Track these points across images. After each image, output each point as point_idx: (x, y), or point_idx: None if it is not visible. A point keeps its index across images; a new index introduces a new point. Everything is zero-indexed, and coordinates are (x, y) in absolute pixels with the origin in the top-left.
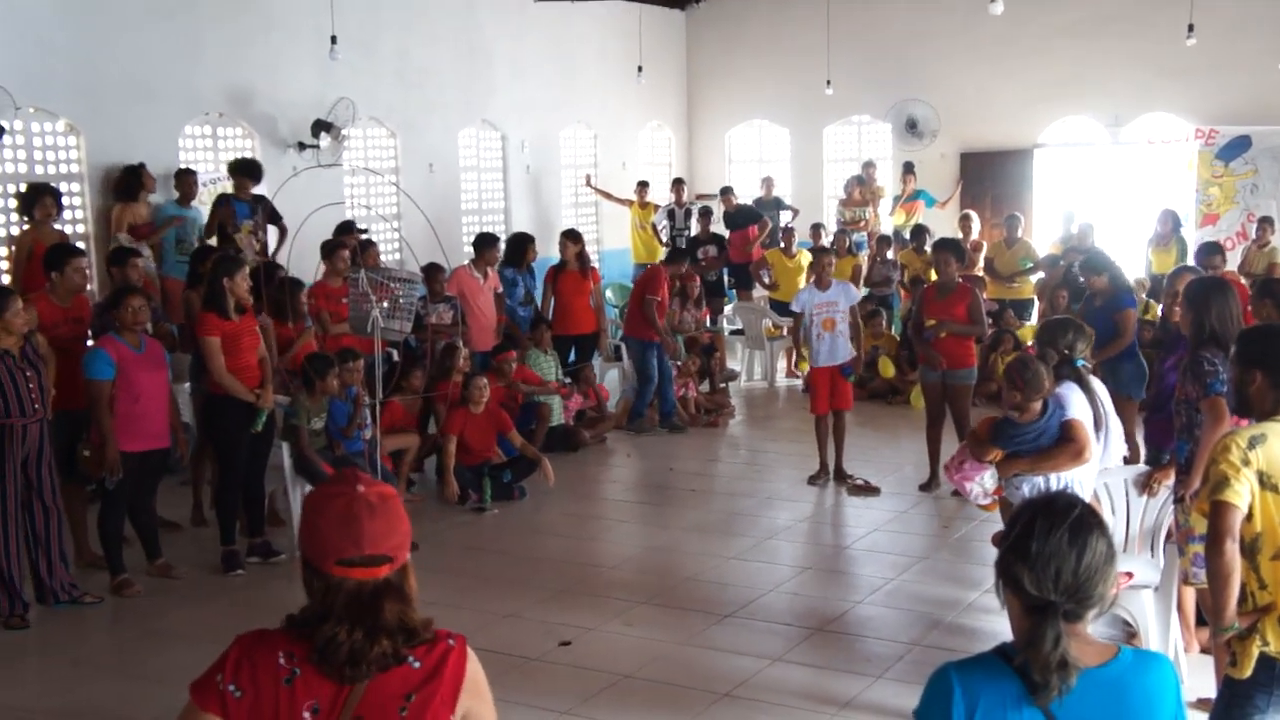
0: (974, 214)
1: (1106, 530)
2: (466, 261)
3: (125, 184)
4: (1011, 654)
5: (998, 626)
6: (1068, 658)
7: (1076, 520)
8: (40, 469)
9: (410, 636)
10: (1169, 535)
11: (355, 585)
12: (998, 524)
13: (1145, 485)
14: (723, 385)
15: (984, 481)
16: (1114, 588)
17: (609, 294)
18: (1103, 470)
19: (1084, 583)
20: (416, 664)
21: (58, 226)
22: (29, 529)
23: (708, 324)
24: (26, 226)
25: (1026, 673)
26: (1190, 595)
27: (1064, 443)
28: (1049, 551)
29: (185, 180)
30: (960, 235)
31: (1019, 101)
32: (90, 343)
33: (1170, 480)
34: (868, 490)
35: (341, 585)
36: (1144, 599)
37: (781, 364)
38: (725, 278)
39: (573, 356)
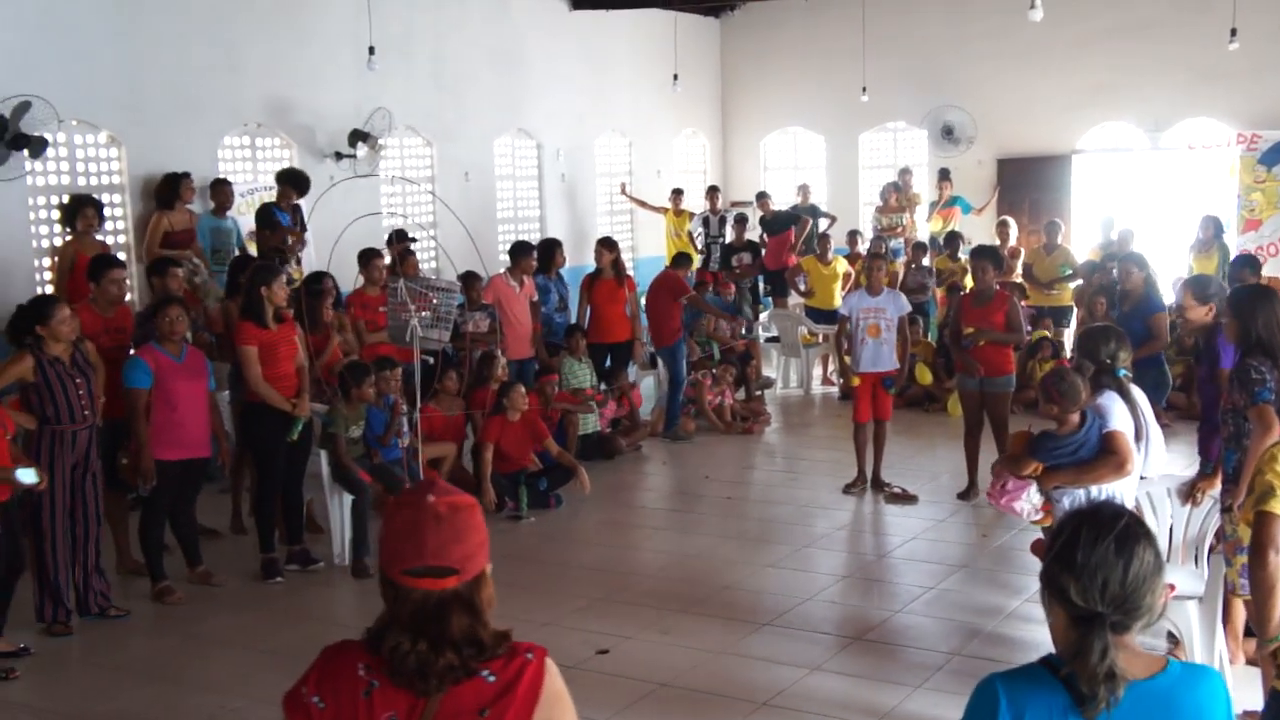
0: (1011, 220)
1: (1154, 540)
2: (503, 270)
3: (164, 191)
4: (1058, 665)
5: (1039, 635)
6: (1115, 669)
7: (1123, 530)
8: (85, 477)
9: (480, 650)
10: (1213, 545)
11: (421, 596)
12: (1037, 531)
13: (1188, 495)
14: (758, 393)
15: (1031, 497)
16: (1162, 598)
17: (644, 301)
18: (1143, 480)
19: (1131, 593)
20: (491, 678)
21: (99, 237)
22: (71, 536)
23: (743, 331)
24: (69, 237)
25: (1073, 684)
26: (1239, 607)
27: (1106, 455)
28: (1095, 562)
29: (221, 190)
30: (998, 242)
31: (1057, 107)
32: (132, 352)
33: (1215, 490)
34: (905, 498)
35: (409, 595)
36: (1189, 610)
37: (817, 371)
38: (760, 285)
39: (608, 364)
